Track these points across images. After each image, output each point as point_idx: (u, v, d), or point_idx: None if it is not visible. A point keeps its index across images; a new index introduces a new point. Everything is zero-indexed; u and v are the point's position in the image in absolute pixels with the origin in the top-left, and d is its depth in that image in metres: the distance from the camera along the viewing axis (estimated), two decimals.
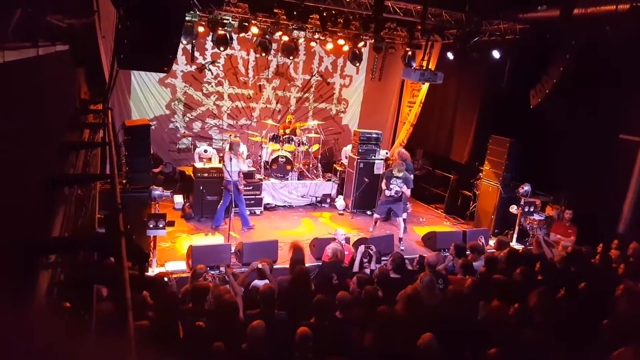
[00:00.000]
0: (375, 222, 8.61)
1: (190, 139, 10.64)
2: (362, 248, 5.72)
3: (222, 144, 10.72)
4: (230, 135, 10.55)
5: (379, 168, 9.61)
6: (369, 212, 9.14)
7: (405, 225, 8.82)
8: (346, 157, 10.31)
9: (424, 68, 8.76)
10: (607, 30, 6.11)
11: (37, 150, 1.67)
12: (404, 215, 8.79)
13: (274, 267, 5.87)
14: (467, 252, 6.65)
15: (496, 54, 8.83)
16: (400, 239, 7.80)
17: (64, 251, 1.76)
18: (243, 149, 9.45)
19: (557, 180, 8.36)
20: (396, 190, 7.97)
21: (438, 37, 10.05)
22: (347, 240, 6.77)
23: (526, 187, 8.25)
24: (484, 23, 8.45)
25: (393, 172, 8.02)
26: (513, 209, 8.28)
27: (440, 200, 10.60)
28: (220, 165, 8.60)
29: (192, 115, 11.02)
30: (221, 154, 8.99)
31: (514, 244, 8.20)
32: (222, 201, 7.95)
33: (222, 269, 4.79)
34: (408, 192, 8.00)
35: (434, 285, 4.66)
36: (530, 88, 7.95)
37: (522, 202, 8.21)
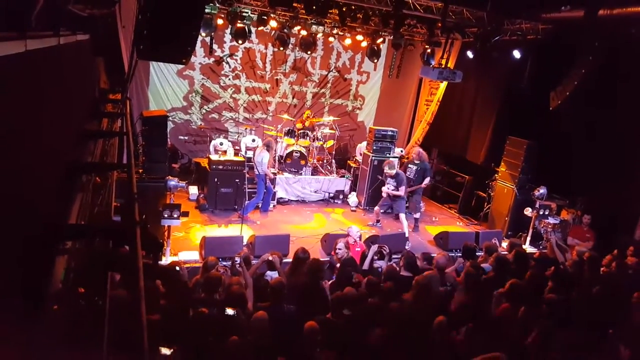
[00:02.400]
0: (378, 220, 8.61)
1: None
2: (375, 247, 5.70)
3: (238, 137, 10.76)
4: (246, 128, 10.59)
5: (393, 166, 9.54)
6: (381, 210, 9.11)
7: (417, 224, 8.77)
8: (360, 154, 10.27)
9: (443, 66, 8.66)
10: (633, 32, 5.95)
11: (57, 137, 1.69)
12: (417, 214, 8.74)
13: (285, 260, 5.92)
14: (479, 253, 6.58)
15: (517, 53, 8.68)
16: (406, 238, 7.77)
17: (80, 238, 1.79)
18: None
19: (574, 184, 8.22)
20: (391, 189, 8.02)
21: (458, 35, 9.92)
22: (360, 237, 6.76)
23: (542, 190, 8.13)
24: (506, 22, 8.31)
25: (384, 171, 8.03)
26: (528, 211, 8.17)
27: (454, 201, 10.51)
28: (236, 158, 8.68)
29: (208, 108, 11.08)
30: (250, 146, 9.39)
31: (527, 247, 8.09)
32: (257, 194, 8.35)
33: (237, 258, 4.82)
34: (400, 192, 7.99)
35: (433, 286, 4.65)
36: (550, 89, 7.81)
37: (537, 205, 8.10)
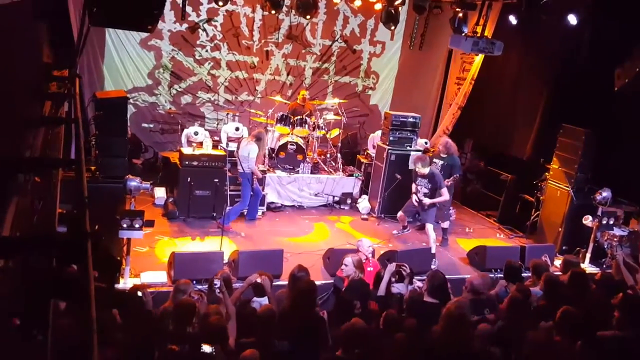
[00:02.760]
0: (404, 226, 8.63)
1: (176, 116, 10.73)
2: (392, 266, 5.69)
3: (217, 124, 10.78)
4: (228, 114, 10.59)
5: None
6: (408, 217, 9.10)
7: (445, 237, 8.77)
8: (374, 147, 10.26)
9: (479, 35, 8.66)
10: None
11: None
12: (445, 223, 8.73)
13: (277, 282, 5.90)
14: (526, 274, 6.55)
15: (573, 19, 8.66)
16: (432, 254, 7.76)
17: (15, 254, 1.78)
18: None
19: None
20: (424, 193, 7.99)
21: None
22: (373, 253, 6.75)
23: (605, 193, 8.11)
24: None
25: (416, 169, 8.00)
26: (587, 220, 8.14)
27: (494, 206, 10.50)
28: (214, 152, 8.67)
29: (180, 87, 11.07)
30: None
31: (587, 266, 8.07)
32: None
33: (216, 281, 4.82)
34: (443, 196, 7.94)
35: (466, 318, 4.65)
36: (615, 65, 7.79)
37: (599, 212, 8.07)
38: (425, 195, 8.02)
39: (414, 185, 8.21)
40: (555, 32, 9.08)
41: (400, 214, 8.52)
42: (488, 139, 11.16)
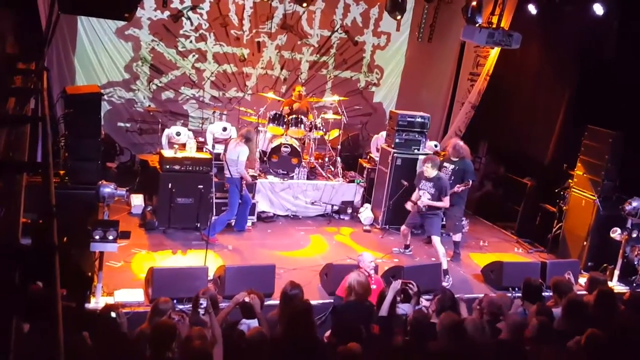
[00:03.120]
0: (407, 246, 8.64)
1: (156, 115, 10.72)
2: (397, 284, 5.67)
3: (202, 124, 10.77)
4: (214, 112, 10.58)
5: None
6: (412, 229, 9.09)
7: (457, 251, 8.76)
8: (377, 150, 10.27)
9: (494, 26, 8.68)
10: None
11: None
12: (457, 236, 8.72)
13: (269, 302, 5.88)
14: (547, 293, 6.53)
15: (599, 8, 8.70)
16: (444, 270, 7.75)
17: None
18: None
19: None
20: (428, 199, 7.99)
21: None
22: (376, 269, 6.74)
23: (635, 203, 8.11)
24: None
25: (424, 169, 8.01)
26: (616, 233, 8.15)
27: (511, 217, 10.49)
28: (198, 155, 8.68)
29: (161, 82, 11.08)
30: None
31: (615, 285, 8.07)
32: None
33: (201, 300, 4.80)
34: (444, 202, 7.95)
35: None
36: None
37: (629, 224, 8.07)
38: (426, 200, 8.02)
39: (415, 193, 8.21)
40: (579, 23, 9.11)
41: (403, 228, 8.51)
42: (504, 141, 11.16)
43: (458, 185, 8.45)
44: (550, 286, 6.45)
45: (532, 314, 5.44)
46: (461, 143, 8.99)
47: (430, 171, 7.94)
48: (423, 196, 8.02)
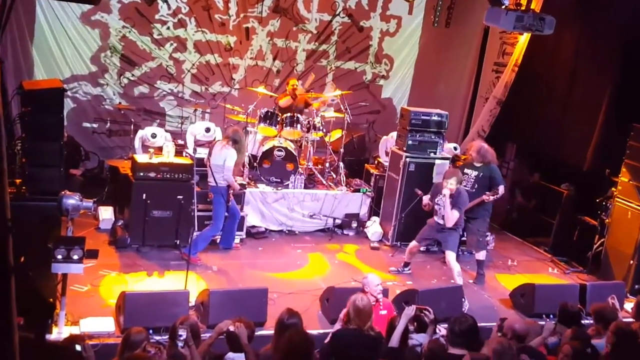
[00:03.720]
0: (407, 264, 8.62)
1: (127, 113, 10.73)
2: (410, 310, 5.64)
3: (182, 124, 10.78)
4: (196, 110, 10.56)
5: (441, 173, 9.54)
6: (422, 248, 9.07)
7: (481, 271, 8.74)
8: (387, 153, 10.28)
9: (524, 9, 8.68)
10: None
11: None
12: (481, 254, 8.70)
13: (260, 332, 5.86)
14: (587, 320, 6.50)
15: None
16: (461, 293, 7.73)
17: None
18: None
19: None
20: (442, 216, 8.07)
21: None
22: (385, 293, 6.73)
23: None
24: None
25: (446, 183, 8.02)
26: None
27: (544, 232, 10.48)
28: (178, 160, 8.69)
29: (133, 76, 11.11)
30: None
31: None
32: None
33: (180, 331, 4.78)
34: (452, 215, 7.98)
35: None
36: None
37: None
38: (442, 217, 8.09)
39: (426, 198, 8.26)
40: (623, 9, 9.12)
41: (413, 245, 8.50)
42: (536, 143, 11.16)
43: (487, 194, 8.47)
44: (591, 313, 6.43)
45: (566, 338, 5.41)
46: (486, 146, 8.98)
47: (452, 187, 7.97)
48: (438, 213, 8.14)
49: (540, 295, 7.71)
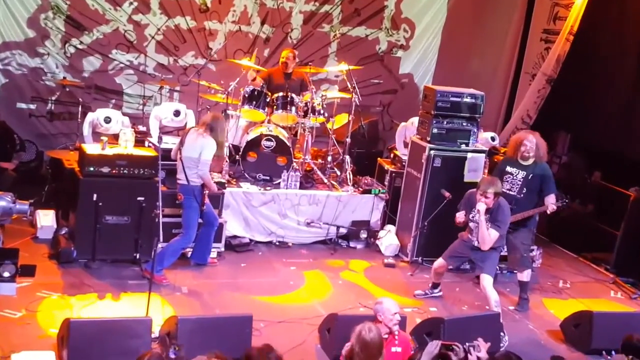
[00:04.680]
0: (436, 284, 8.63)
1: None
2: (434, 347, 5.64)
3: (144, 105, 10.77)
4: (162, 88, 10.53)
5: (475, 169, 9.57)
6: (450, 266, 9.05)
7: (525, 295, 8.74)
8: (406, 144, 10.28)
9: None
10: None
11: None
12: (525, 274, 8.69)
13: None
14: None
15: None
16: (500, 324, 7.71)
17: None
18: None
19: None
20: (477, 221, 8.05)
21: None
22: (402, 323, 6.72)
23: None
24: None
25: (482, 193, 7.95)
26: None
27: (605, 245, 10.50)
28: (138, 151, 8.68)
29: (82, 44, 11.11)
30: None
31: None
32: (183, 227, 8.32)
33: None
34: (489, 236, 7.97)
35: None
36: None
37: None
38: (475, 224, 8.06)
39: (462, 214, 8.17)
40: None
41: (439, 262, 8.44)
42: (596, 133, 11.19)
43: (553, 203, 8.48)
44: None
45: None
46: (539, 137, 8.88)
47: (490, 196, 7.88)
48: (474, 230, 8.08)
49: (599, 325, 7.68)
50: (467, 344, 5.81)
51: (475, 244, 8.10)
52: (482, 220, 7.89)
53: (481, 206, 7.86)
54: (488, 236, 7.94)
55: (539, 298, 9.05)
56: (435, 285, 8.67)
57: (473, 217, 8.05)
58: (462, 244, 8.28)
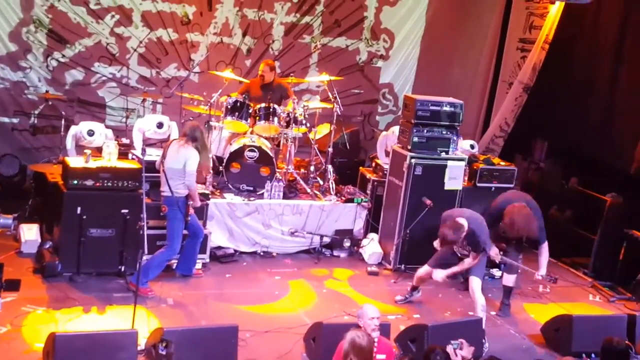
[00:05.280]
0: (415, 287, 8.61)
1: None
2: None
3: (127, 117, 10.73)
4: (145, 100, 10.50)
5: (455, 177, 9.61)
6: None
7: (507, 301, 8.77)
8: (387, 153, 10.29)
9: None
10: None
11: None
12: (510, 278, 8.71)
13: None
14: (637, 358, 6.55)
15: None
16: (482, 330, 7.72)
17: None
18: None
19: None
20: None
21: None
22: (386, 330, 6.73)
23: None
24: None
25: (457, 248, 8.01)
26: None
27: (583, 250, 10.55)
28: (122, 164, 8.64)
29: (64, 57, 11.06)
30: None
31: None
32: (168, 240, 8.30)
33: None
34: (477, 260, 8.05)
35: None
36: None
37: None
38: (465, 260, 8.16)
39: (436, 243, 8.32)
40: None
41: (425, 270, 8.41)
42: (572, 140, 11.22)
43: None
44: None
45: None
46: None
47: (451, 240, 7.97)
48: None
49: (579, 329, 7.72)
50: (451, 341, 5.86)
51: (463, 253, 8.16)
52: (498, 256, 8.23)
53: (467, 262, 8.08)
54: (476, 261, 8.10)
55: (520, 303, 9.08)
56: (414, 288, 8.65)
57: (460, 252, 8.17)
58: (448, 252, 8.28)
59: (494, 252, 8.29)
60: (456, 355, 5.81)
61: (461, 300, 8.78)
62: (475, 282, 8.03)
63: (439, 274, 8.17)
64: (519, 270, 8.84)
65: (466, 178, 9.86)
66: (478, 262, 8.12)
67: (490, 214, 8.56)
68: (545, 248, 8.61)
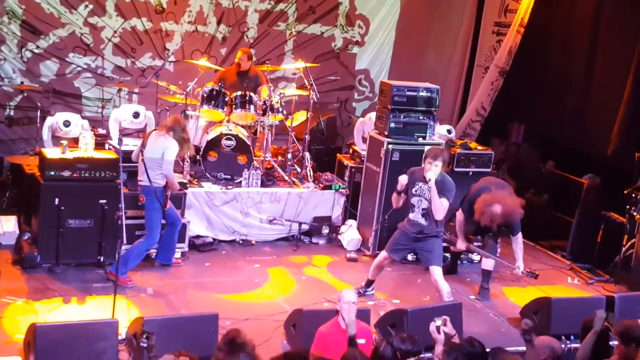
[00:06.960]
0: (370, 282, 8.47)
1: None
2: (397, 340, 5.64)
3: (103, 108, 10.68)
4: (121, 90, 10.46)
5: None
6: (410, 257, 9.10)
7: (486, 285, 8.82)
8: (364, 139, 10.32)
9: None
10: None
11: None
12: (488, 262, 8.74)
13: None
14: (616, 342, 6.61)
15: None
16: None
17: None
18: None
19: None
20: (422, 210, 7.97)
21: None
22: (366, 315, 6.75)
23: None
24: None
25: (426, 166, 7.89)
26: None
27: (561, 233, 10.62)
28: (99, 154, 8.61)
29: (38, 48, 11.00)
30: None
31: None
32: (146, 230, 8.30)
33: None
34: (442, 204, 7.84)
35: None
36: None
37: None
38: (423, 214, 7.99)
39: (402, 184, 8.00)
40: None
41: (382, 256, 8.31)
42: (548, 123, 11.26)
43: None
44: (619, 332, 6.51)
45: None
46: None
47: (435, 171, 7.83)
48: (416, 209, 7.99)
49: (557, 311, 7.78)
50: (435, 318, 5.89)
51: (418, 220, 7.99)
52: (434, 187, 7.76)
53: (431, 174, 7.74)
54: (440, 204, 7.82)
55: (499, 287, 9.14)
56: (369, 283, 8.47)
57: (416, 191, 7.97)
58: (402, 234, 8.16)
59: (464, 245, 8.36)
60: (439, 332, 5.85)
61: (426, 288, 8.79)
62: (436, 271, 7.98)
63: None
64: (496, 255, 8.90)
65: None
66: (436, 251, 8.09)
67: (469, 201, 8.60)
68: (519, 239, 8.66)
